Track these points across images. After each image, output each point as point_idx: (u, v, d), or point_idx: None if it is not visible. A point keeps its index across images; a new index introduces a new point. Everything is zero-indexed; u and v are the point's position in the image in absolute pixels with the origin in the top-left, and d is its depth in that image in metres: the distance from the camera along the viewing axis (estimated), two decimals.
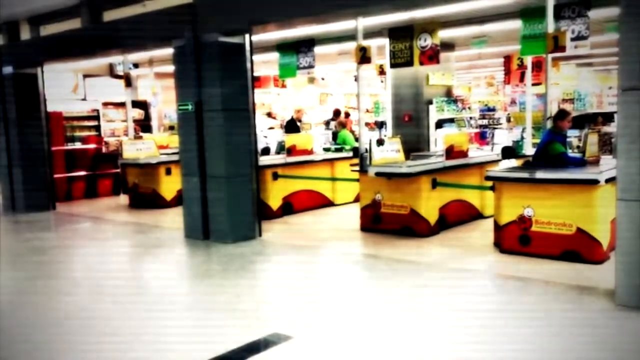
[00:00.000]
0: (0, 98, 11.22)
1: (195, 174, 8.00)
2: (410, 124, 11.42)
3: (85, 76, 14.12)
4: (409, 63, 9.45)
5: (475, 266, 6.34)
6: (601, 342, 4.20)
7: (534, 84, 10.78)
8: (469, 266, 6.33)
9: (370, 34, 8.80)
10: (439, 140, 11.09)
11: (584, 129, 9.83)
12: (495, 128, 11.86)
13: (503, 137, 10.22)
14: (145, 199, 11.25)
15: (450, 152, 8.17)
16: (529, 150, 9.38)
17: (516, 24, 8.28)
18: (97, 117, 13.74)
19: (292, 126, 13.09)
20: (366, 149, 7.94)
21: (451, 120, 11.66)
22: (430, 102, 11.52)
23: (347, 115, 15.73)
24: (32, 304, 5.57)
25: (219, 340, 4.37)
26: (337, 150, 11.06)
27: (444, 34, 9.59)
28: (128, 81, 11.10)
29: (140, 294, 5.90)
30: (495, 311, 4.94)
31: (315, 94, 19.07)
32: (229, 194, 7.79)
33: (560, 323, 4.57)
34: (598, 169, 6.32)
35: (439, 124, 11.62)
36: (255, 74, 8.70)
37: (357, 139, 9.43)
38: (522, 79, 11.65)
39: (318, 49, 10.50)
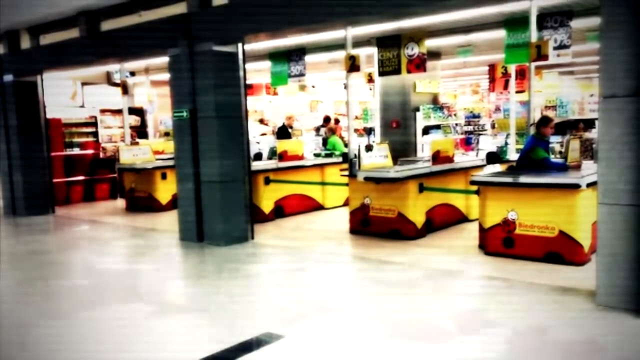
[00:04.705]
0: (1, 105, 11.31)
1: (190, 179, 8.05)
2: (398, 130, 11.60)
3: (84, 84, 14.16)
4: (397, 71, 9.52)
5: (461, 268, 6.39)
6: (583, 342, 4.24)
7: (517, 92, 10.90)
8: (454, 268, 6.39)
9: (359, 43, 8.93)
10: (425, 146, 11.22)
11: (566, 135, 9.87)
12: (480, 134, 11.90)
13: (488, 143, 10.22)
14: (142, 203, 11.35)
15: (437, 158, 8.25)
16: (512, 155, 9.45)
17: (500, 34, 8.42)
18: (95, 124, 13.91)
19: (283, 132, 13.16)
20: (355, 155, 7.99)
21: (437, 127, 11.76)
22: (417, 109, 11.70)
23: (337, 121, 15.85)
24: (32, 304, 5.61)
25: (212, 339, 4.43)
26: (327, 155, 11.10)
27: (430, 43, 9.71)
28: (125, 89, 11.22)
29: (135, 294, 5.87)
30: (479, 311, 5.00)
31: (306, 101, 19.08)
32: (222, 198, 7.84)
33: (543, 323, 4.60)
34: (579, 174, 6.39)
35: (426, 130, 11.78)
36: (248, 81, 8.71)
37: (346, 145, 9.50)
38: (506, 86, 11.77)
39: (309, 58, 10.59)
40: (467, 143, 11.29)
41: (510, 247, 6.59)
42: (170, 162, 10.16)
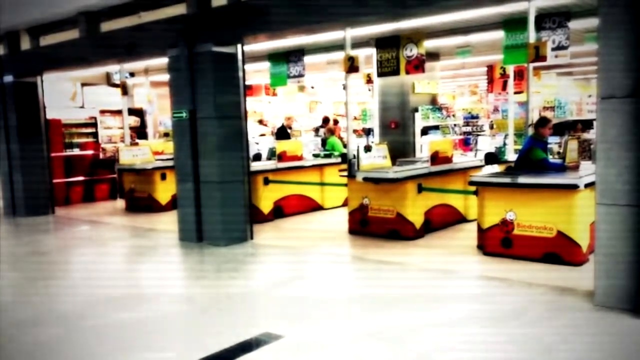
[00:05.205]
0: (1, 106, 11.32)
1: (190, 179, 8.08)
2: (397, 131, 11.60)
3: (84, 85, 14.13)
4: (396, 72, 9.54)
5: (459, 268, 6.41)
6: (580, 342, 4.27)
7: (516, 92, 10.85)
8: (453, 268, 6.41)
9: (358, 44, 8.91)
10: (424, 146, 11.21)
11: (564, 136, 9.87)
12: (478, 135, 11.92)
13: (486, 144, 10.26)
14: (141, 203, 11.39)
15: (435, 158, 8.26)
16: (511, 156, 9.39)
17: (499, 35, 8.44)
18: (94, 124, 13.93)
19: (282, 133, 13.18)
20: (354, 155, 8.00)
21: (436, 127, 11.78)
22: (416, 110, 11.70)
23: (336, 122, 15.94)
24: (32, 304, 5.63)
25: (211, 339, 4.45)
26: (326, 156, 11.12)
27: (429, 44, 9.73)
28: (124, 89, 11.25)
29: (135, 294, 5.91)
30: (477, 311, 5.01)
31: (305, 102, 19.14)
32: (221, 199, 7.87)
33: (541, 323, 4.64)
34: (578, 175, 6.40)
35: (424, 131, 11.78)
36: (247, 82, 8.76)
37: (345, 145, 9.54)
38: (504, 87, 11.74)
39: (308, 59, 10.63)
40: (466, 143, 11.32)
41: (509, 247, 6.60)
42: (170, 163, 10.19)
